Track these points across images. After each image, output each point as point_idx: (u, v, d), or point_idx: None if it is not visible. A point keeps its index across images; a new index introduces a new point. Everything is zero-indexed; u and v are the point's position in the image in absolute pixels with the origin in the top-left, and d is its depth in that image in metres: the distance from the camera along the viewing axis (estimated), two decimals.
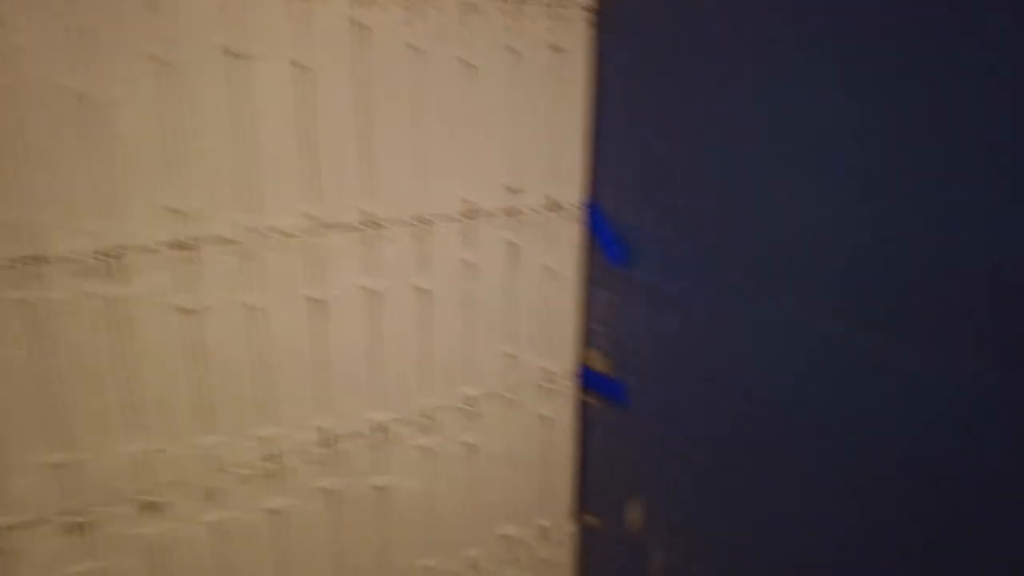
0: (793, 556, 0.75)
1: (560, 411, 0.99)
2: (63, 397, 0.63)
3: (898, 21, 0.59)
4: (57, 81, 0.58)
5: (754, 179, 0.74)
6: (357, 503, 0.83)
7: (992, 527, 0.59)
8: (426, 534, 0.90)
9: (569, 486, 1.04)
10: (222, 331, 0.70)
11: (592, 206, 0.95)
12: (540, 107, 0.87)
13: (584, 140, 0.92)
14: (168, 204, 0.65)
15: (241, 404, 0.73)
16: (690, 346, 0.83)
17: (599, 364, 0.99)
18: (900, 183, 0.61)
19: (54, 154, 0.59)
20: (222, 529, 0.74)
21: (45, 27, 0.57)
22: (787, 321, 0.72)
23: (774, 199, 0.72)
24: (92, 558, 0.67)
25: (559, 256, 0.95)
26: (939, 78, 0.57)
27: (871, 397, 0.66)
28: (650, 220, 0.87)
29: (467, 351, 0.89)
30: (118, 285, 0.64)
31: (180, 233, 0.66)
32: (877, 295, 0.64)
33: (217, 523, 0.73)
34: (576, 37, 0.87)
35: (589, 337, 1.00)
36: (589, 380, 0.99)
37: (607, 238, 0.93)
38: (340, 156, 0.74)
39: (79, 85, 0.59)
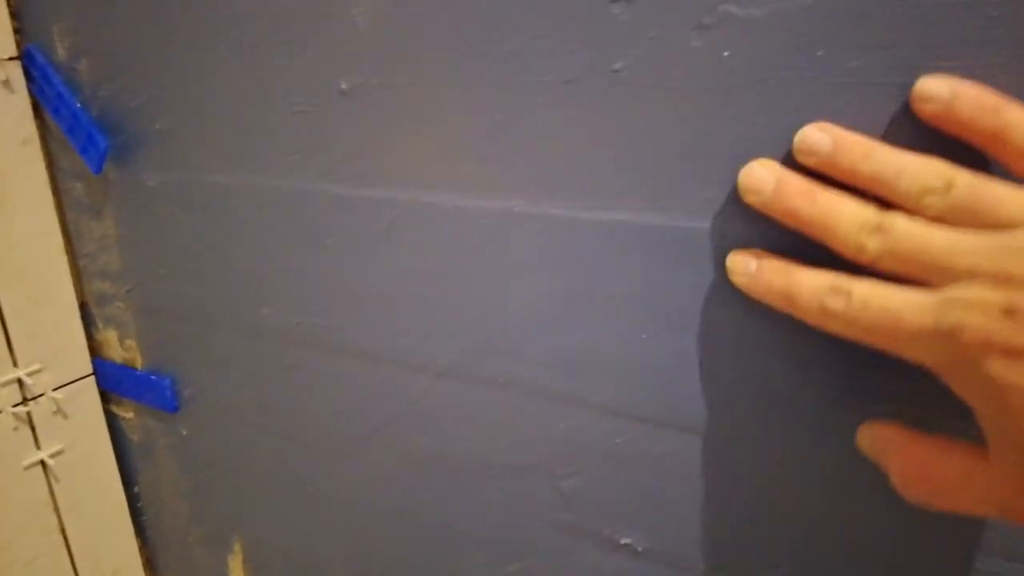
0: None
1: (77, 446, 0.55)
2: None
3: None
4: None
5: None
6: None
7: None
8: None
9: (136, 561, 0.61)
10: None
11: (31, 56, 0.48)
12: None
13: None
14: None
15: None
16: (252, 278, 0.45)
17: (119, 350, 0.55)
18: None
19: None
20: None
21: None
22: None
23: None
24: None
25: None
26: None
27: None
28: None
29: None
30: None
31: None
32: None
33: None
34: None
35: (92, 307, 0.55)
36: (114, 382, 0.56)
37: (69, 107, 0.48)
38: None
39: None
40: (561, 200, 0.33)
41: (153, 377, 0.52)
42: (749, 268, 0.28)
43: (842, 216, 0.24)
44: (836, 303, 0.24)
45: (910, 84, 0.25)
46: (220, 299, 0.47)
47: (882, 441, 0.26)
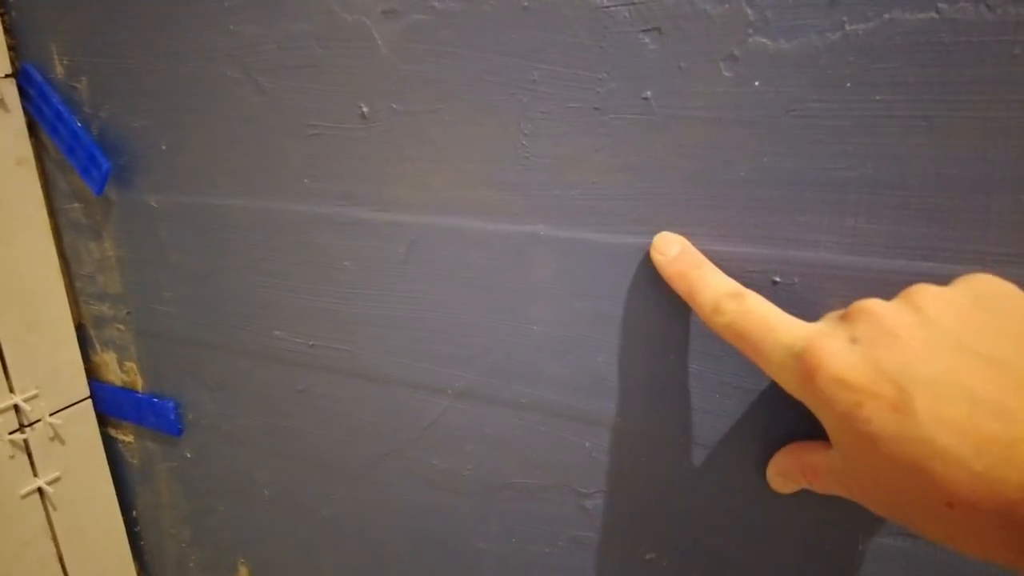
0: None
1: (75, 472, 0.53)
2: None
3: None
4: None
5: None
6: None
7: None
8: None
9: None
10: None
11: (28, 73, 0.47)
12: None
13: None
14: None
15: None
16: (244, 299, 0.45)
17: (117, 373, 0.54)
18: None
19: None
20: None
21: None
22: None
23: None
24: None
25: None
26: None
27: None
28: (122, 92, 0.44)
29: None
30: None
31: None
32: None
33: None
34: None
35: (89, 329, 0.54)
36: (113, 405, 0.54)
37: (72, 129, 0.47)
38: None
39: None
40: (583, 225, 0.33)
41: (156, 400, 0.51)
42: (671, 250, 0.30)
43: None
44: (728, 304, 0.27)
45: (935, 118, 0.26)
46: (228, 322, 0.47)
47: (783, 472, 0.31)
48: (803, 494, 0.31)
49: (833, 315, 0.26)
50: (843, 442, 0.24)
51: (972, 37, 0.25)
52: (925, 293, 0.23)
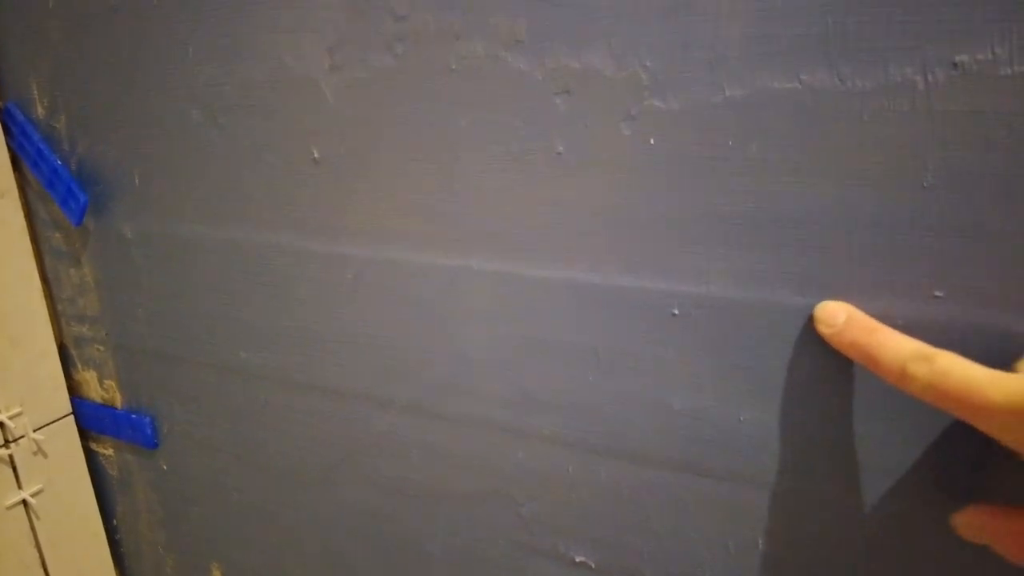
0: None
1: (57, 484, 0.57)
2: None
3: None
4: None
5: None
6: None
7: None
8: None
9: None
10: None
11: (8, 111, 0.51)
12: None
13: None
14: None
15: None
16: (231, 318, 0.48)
17: (98, 390, 0.58)
18: None
19: None
20: None
21: None
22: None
23: None
24: None
25: None
26: None
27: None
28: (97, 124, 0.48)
29: None
30: None
31: None
32: None
33: None
34: None
35: (70, 349, 0.58)
36: (93, 421, 0.58)
37: (49, 164, 0.50)
38: None
39: None
40: (510, 259, 0.37)
41: (134, 416, 0.55)
42: (837, 321, 0.30)
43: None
44: (918, 368, 0.26)
45: (802, 167, 0.30)
46: (197, 339, 0.50)
47: (977, 523, 0.28)
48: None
49: None
50: None
51: (828, 102, 0.29)
52: None
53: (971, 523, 0.28)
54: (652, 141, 0.32)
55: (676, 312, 0.34)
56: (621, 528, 0.39)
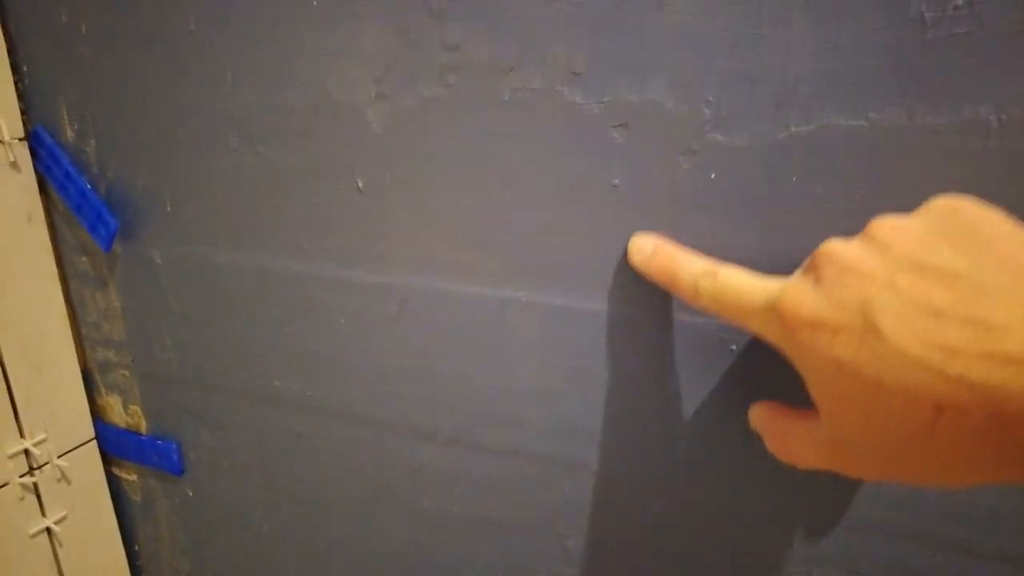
0: None
1: (80, 510, 0.55)
2: None
3: None
4: None
5: None
6: None
7: None
8: None
9: None
10: None
11: (38, 136, 0.50)
12: None
13: None
14: None
15: None
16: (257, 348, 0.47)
17: (122, 416, 0.57)
18: None
19: None
20: None
21: None
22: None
23: None
24: None
25: (11, 239, 0.49)
26: None
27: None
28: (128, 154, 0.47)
29: None
30: None
31: None
32: None
33: None
34: None
35: (95, 374, 0.57)
36: (117, 446, 0.57)
37: (79, 188, 0.49)
38: None
39: None
40: (561, 291, 0.37)
41: (159, 442, 0.54)
42: (645, 250, 0.33)
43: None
44: (706, 283, 0.29)
45: (868, 208, 0.29)
46: (227, 368, 0.49)
47: (759, 418, 0.31)
48: (798, 542, 0.34)
49: (801, 266, 0.27)
50: (824, 392, 0.25)
51: (897, 140, 0.28)
52: (881, 224, 0.24)
53: (754, 416, 0.32)
54: (713, 176, 0.32)
55: (733, 348, 0.33)
56: (673, 562, 0.38)
